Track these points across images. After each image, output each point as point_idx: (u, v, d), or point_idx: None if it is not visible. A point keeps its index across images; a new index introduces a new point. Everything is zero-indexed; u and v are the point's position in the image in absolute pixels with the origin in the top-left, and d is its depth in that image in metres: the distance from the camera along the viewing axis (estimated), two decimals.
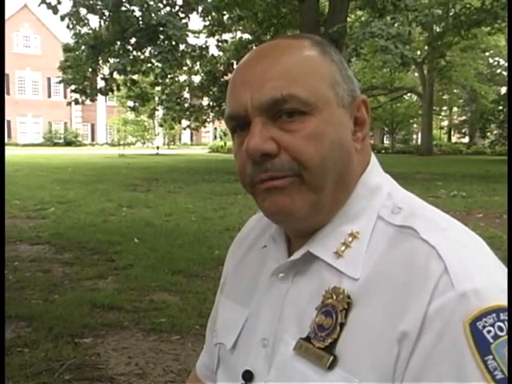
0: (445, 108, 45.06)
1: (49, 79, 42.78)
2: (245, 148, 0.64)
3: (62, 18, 12.77)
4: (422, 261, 0.58)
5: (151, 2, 14.42)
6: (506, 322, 0.53)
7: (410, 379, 0.55)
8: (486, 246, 0.62)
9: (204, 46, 16.50)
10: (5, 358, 2.56)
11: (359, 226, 0.65)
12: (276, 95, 0.62)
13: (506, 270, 0.60)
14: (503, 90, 36.42)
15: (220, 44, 18.66)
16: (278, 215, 0.66)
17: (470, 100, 36.77)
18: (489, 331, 0.52)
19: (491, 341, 0.52)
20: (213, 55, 18.14)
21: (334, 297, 0.62)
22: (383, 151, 36.43)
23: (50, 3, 7.96)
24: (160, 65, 15.56)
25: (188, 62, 17.77)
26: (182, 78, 20.72)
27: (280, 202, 0.64)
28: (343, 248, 0.65)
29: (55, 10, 8.15)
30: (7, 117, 38.67)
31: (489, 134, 33.08)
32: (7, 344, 2.96)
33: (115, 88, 16.71)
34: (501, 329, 0.53)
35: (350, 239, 0.65)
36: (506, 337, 0.53)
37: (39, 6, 8.15)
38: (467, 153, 36.15)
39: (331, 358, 0.59)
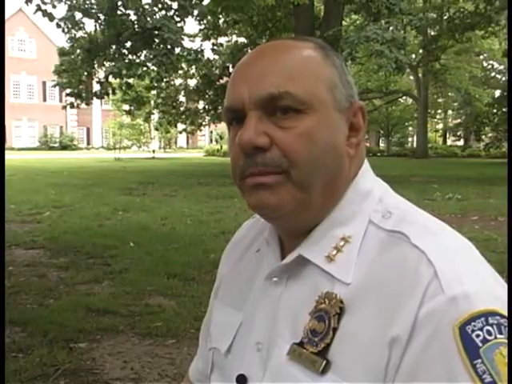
0: (440, 111, 45.24)
1: (44, 83, 42.69)
2: (237, 140, 0.65)
3: (58, 26, 12.74)
4: (412, 266, 0.58)
5: (146, 6, 14.44)
6: (495, 326, 0.54)
7: (400, 382, 0.55)
8: (477, 251, 0.63)
9: (199, 49, 16.52)
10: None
11: (351, 231, 0.65)
12: (273, 91, 0.63)
13: (496, 274, 0.61)
14: (497, 93, 36.62)
15: (215, 47, 18.69)
16: (263, 210, 0.67)
17: (465, 103, 36.92)
18: (478, 335, 0.53)
19: (480, 345, 0.53)
20: (208, 59, 18.16)
21: (327, 302, 0.62)
22: (379, 154, 36.53)
23: (45, 10, 7.96)
24: (155, 68, 15.57)
25: (183, 65, 17.77)
26: (178, 81, 20.73)
27: (265, 198, 0.65)
28: (335, 252, 0.65)
29: (51, 18, 8.15)
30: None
31: (483, 136, 33.20)
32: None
33: (111, 92, 16.71)
34: (489, 333, 0.53)
35: (342, 243, 0.65)
36: (495, 341, 0.53)
37: (35, 13, 8.15)
38: (462, 155, 36.29)
39: (324, 362, 0.59)
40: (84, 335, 3.30)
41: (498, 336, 0.53)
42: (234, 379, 0.69)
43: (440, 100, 41.76)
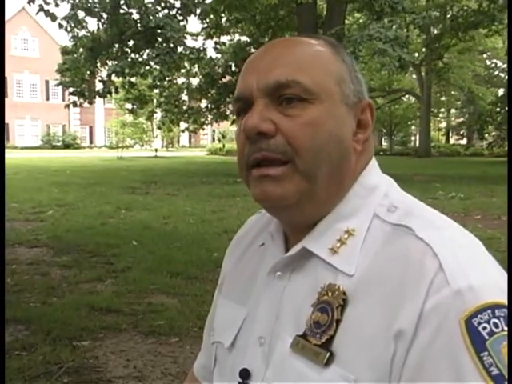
0: (443, 110, 45.13)
1: (47, 82, 42.76)
2: (242, 125, 0.66)
3: (61, 26, 12.73)
4: (417, 258, 0.58)
5: (149, 5, 14.43)
6: (502, 319, 0.54)
7: (407, 376, 0.55)
8: (481, 244, 0.63)
9: (202, 48, 16.50)
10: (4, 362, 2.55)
11: (355, 224, 0.66)
12: (280, 79, 0.65)
13: (500, 268, 0.61)
14: (501, 91, 36.50)
15: (218, 46, 18.68)
16: (267, 202, 0.68)
17: (468, 102, 36.83)
18: (484, 328, 0.53)
19: (486, 337, 0.53)
20: (211, 57, 18.14)
21: (330, 293, 0.62)
22: (381, 153, 36.47)
23: (47, 10, 7.95)
24: (158, 67, 15.56)
25: (186, 64, 17.76)
26: (180, 80, 20.72)
27: (270, 190, 0.65)
28: (338, 245, 0.65)
29: (53, 18, 8.14)
30: (5, 120, 38.60)
31: (486, 135, 33.10)
32: (5, 347, 2.95)
33: (113, 90, 16.72)
34: (496, 325, 0.53)
35: (346, 236, 0.65)
36: (502, 333, 0.53)
37: (37, 13, 8.15)
38: (465, 154, 36.20)
39: (328, 354, 0.59)
40: (87, 333, 3.31)
41: (505, 328, 0.53)
42: (237, 374, 0.70)
43: (443, 99, 41.65)
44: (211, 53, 18.62)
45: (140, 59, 15.90)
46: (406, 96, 37.15)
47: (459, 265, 0.57)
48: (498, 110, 29.35)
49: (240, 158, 0.68)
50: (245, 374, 0.69)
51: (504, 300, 0.55)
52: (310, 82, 0.64)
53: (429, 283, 0.56)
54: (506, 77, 37.76)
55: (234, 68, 17.81)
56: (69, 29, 14.49)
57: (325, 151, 0.64)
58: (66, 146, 42.67)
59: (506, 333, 0.53)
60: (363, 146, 0.69)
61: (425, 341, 0.54)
